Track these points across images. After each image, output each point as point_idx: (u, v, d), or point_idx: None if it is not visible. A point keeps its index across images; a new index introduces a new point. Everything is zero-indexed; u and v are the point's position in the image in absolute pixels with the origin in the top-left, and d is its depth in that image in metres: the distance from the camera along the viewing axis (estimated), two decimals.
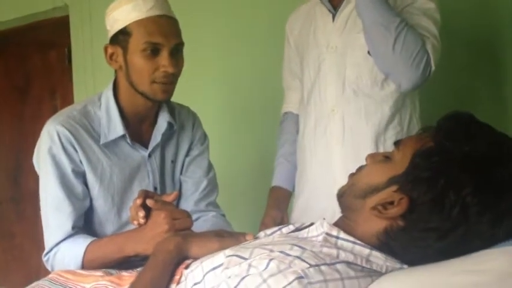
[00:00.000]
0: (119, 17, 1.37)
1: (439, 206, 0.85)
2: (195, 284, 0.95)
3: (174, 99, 1.47)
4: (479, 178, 0.85)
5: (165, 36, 1.35)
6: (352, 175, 1.00)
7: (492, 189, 0.85)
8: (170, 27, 1.38)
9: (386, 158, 0.95)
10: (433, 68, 1.47)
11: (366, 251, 0.91)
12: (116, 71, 1.45)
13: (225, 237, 1.09)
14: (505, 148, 0.88)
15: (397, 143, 0.96)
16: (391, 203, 0.90)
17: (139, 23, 1.35)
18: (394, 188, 0.90)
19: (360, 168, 0.99)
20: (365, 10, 1.47)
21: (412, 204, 0.88)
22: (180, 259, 1.04)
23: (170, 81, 1.39)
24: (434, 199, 0.86)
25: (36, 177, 1.45)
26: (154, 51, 1.35)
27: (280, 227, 1.07)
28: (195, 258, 1.03)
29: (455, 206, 0.84)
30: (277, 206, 1.73)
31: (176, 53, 1.39)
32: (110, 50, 1.42)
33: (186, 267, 1.01)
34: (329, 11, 1.62)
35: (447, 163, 0.86)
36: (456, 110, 0.94)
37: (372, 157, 0.98)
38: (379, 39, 1.46)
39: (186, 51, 1.43)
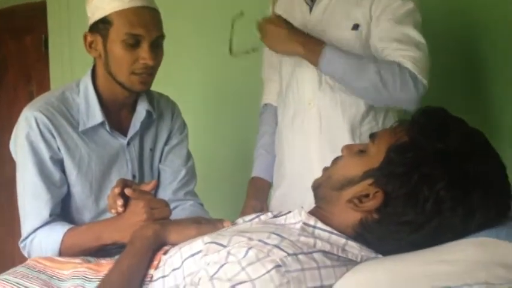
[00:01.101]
0: (100, 5, 1.35)
1: (413, 200, 0.87)
2: (174, 269, 0.96)
3: (155, 88, 1.47)
4: (452, 173, 0.86)
5: (146, 28, 1.34)
6: (326, 169, 1.01)
7: (465, 184, 0.86)
8: (152, 19, 1.37)
9: (362, 151, 0.96)
10: (425, 81, 1.46)
11: (341, 240, 0.92)
12: (94, 59, 1.44)
13: (203, 223, 1.10)
14: (476, 143, 0.90)
15: (372, 136, 0.97)
16: (367, 195, 0.91)
17: (120, 13, 1.33)
18: (369, 181, 0.92)
19: (336, 160, 1.00)
20: (332, 70, 1.49)
21: (386, 198, 0.89)
22: (158, 246, 1.05)
23: (149, 73, 1.39)
24: (408, 193, 0.87)
25: (11, 164, 1.44)
26: (134, 42, 1.34)
27: (258, 214, 1.08)
28: (173, 245, 1.03)
29: (428, 200, 0.86)
30: (257, 196, 1.74)
31: (156, 46, 1.38)
32: (89, 38, 1.40)
33: (165, 253, 1.02)
34: (306, 3, 1.63)
35: (421, 159, 0.88)
36: (429, 105, 0.96)
37: (347, 148, 1.00)
38: (359, 88, 1.49)
39: (167, 40, 1.42)
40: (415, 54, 1.46)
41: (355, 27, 1.54)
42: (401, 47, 1.47)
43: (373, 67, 1.45)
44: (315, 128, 1.59)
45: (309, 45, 1.49)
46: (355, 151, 0.98)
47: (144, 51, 1.35)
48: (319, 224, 0.94)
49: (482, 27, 1.98)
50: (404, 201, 0.88)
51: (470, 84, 2.00)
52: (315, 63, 1.50)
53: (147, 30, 1.34)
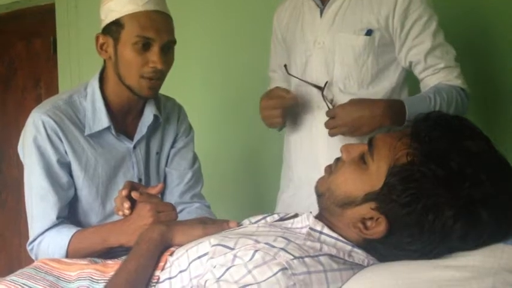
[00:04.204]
0: (114, 8, 1.36)
1: (418, 230, 0.85)
2: (181, 271, 0.97)
3: (162, 90, 1.47)
4: (457, 201, 0.83)
5: (157, 31, 1.35)
6: (329, 170, 0.99)
7: (472, 211, 0.83)
8: (164, 23, 1.37)
9: (361, 161, 0.93)
10: (468, 89, 1.55)
11: (347, 247, 0.93)
12: (104, 61, 1.45)
13: (209, 224, 1.10)
14: (482, 162, 0.85)
15: (370, 144, 0.93)
16: (371, 218, 0.90)
17: (133, 16, 1.34)
18: (372, 204, 0.90)
19: (337, 165, 0.98)
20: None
21: (391, 226, 0.88)
22: (164, 247, 1.05)
23: (157, 77, 1.39)
24: (413, 224, 0.85)
25: (19, 166, 1.44)
26: (145, 45, 1.35)
27: (264, 215, 1.08)
28: (179, 246, 1.04)
29: (435, 230, 0.84)
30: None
31: (167, 50, 1.39)
32: (101, 40, 1.41)
33: (171, 255, 1.02)
34: (317, 5, 1.62)
35: (423, 189, 0.84)
36: (433, 111, 0.93)
37: (346, 152, 0.97)
38: None
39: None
40: (458, 69, 1.55)
41: (369, 32, 1.53)
42: (447, 64, 1.54)
43: (444, 105, 1.49)
44: (324, 131, 1.59)
45: (393, 113, 1.46)
46: (354, 157, 0.95)
47: (154, 55, 1.35)
48: (326, 230, 0.94)
49: (495, 29, 1.97)
50: (409, 232, 0.86)
51: (480, 81, 1.99)
52: (401, 124, 1.47)
53: (158, 34, 1.35)
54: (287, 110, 1.57)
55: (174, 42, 1.40)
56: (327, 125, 1.50)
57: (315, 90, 1.59)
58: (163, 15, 1.38)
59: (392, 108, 1.47)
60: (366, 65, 1.55)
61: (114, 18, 1.36)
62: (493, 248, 0.84)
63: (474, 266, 0.82)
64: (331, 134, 1.51)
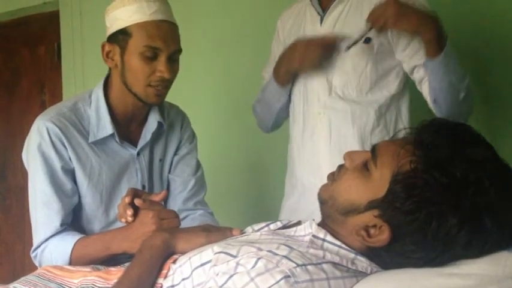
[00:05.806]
0: (120, 17, 1.36)
1: (421, 238, 0.85)
2: (184, 279, 0.97)
3: (166, 97, 1.48)
4: (461, 209, 0.82)
5: (165, 41, 1.36)
6: (332, 177, 0.99)
7: (476, 219, 0.83)
8: (171, 33, 1.38)
9: (365, 167, 0.93)
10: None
11: (350, 255, 0.92)
12: (110, 69, 1.46)
13: (212, 231, 1.09)
14: (485, 169, 0.84)
15: (373, 151, 0.93)
16: (374, 226, 0.90)
17: (141, 25, 1.35)
18: (375, 212, 0.89)
19: (340, 172, 0.98)
20: (438, 73, 1.45)
21: (394, 233, 0.87)
22: (167, 254, 1.05)
23: (164, 86, 1.40)
24: (417, 231, 0.85)
25: (23, 173, 1.45)
26: (152, 55, 1.36)
27: (267, 223, 1.08)
28: (183, 253, 1.04)
29: (439, 238, 0.84)
30: None
31: (173, 59, 1.40)
32: (107, 48, 1.41)
33: (174, 262, 1.02)
34: (318, 13, 1.63)
35: (427, 196, 0.84)
36: (436, 118, 0.93)
37: (350, 158, 0.96)
38: (450, 97, 1.48)
39: None
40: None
41: (367, 40, 1.54)
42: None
43: (460, 74, 1.46)
44: (325, 138, 1.59)
45: (440, 31, 1.43)
46: (357, 165, 0.95)
47: (161, 64, 1.36)
48: (329, 238, 0.94)
49: (491, 31, 1.97)
50: (413, 239, 0.86)
51: (482, 86, 1.99)
52: (437, 50, 1.43)
53: (165, 44, 1.36)
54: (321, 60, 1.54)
55: (180, 51, 1.42)
56: (375, 11, 1.45)
57: (316, 97, 1.59)
58: (171, 24, 1.39)
59: (439, 29, 1.43)
60: (365, 73, 1.55)
61: (120, 27, 1.36)
62: (497, 256, 0.84)
63: (478, 274, 0.81)
64: (377, 26, 1.45)
